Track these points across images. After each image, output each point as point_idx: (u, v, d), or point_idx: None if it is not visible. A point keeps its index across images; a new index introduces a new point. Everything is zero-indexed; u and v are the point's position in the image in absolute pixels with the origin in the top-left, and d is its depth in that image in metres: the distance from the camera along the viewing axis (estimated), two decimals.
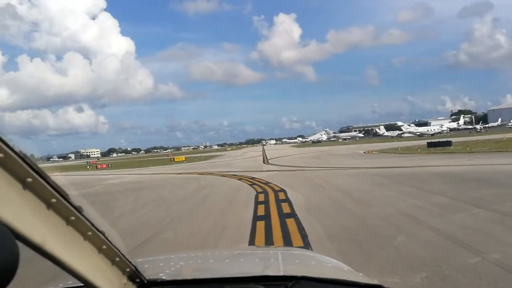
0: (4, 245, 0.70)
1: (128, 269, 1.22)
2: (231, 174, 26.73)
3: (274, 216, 9.88)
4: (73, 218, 0.93)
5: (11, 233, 0.73)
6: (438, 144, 42.40)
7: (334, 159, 36.71)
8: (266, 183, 18.26)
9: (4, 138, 0.72)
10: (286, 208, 10.88)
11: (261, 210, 10.92)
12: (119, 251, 1.14)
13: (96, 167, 67.15)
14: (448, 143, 41.24)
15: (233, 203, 13.33)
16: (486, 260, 5.27)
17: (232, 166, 39.43)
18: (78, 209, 0.94)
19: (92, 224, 1.00)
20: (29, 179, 0.79)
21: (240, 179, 22.10)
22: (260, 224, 8.95)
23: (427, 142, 45.39)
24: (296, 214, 9.79)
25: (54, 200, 0.86)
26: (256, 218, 9.84)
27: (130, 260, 1.21)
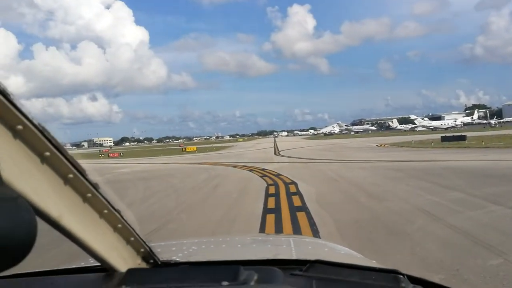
0: (23, 218, 0.69)
1: (142, 250, 1.21)
2: (242, 165, 26.59)
3: (284, 209, 9.69)
4: (89, 195, 0.93)
5: (30, 206, 0.72)
6: (452, 138, 41.64)
7: (346, 152, 36.34)
8: (277, 175, 18.06)
9: (23, 110, 0.69)
10: (297, 201, 10.67)
11: (271, 203, 10.73)
12: (134, 231, 1.14)
13: (108, 156, 67.69)
14: (463, 138, 40.42)
15: (243, 194, 13.15)
16: (508, 262, 4.99)
17: (243, 157, 39.30)
18: (95, 186, 0.93)
19: (108, 202, 0.99)
20: (47, 153, 0.77)
21: (251, 171, 21.94)
22: (270, 217, 8.76)
23: (441, 136, 44.65)
24: (307, 208, 9.57)
25: (71, 175, 0.85)
26: (266, 211, 9.65)
27: (144, 241, 1.21)
